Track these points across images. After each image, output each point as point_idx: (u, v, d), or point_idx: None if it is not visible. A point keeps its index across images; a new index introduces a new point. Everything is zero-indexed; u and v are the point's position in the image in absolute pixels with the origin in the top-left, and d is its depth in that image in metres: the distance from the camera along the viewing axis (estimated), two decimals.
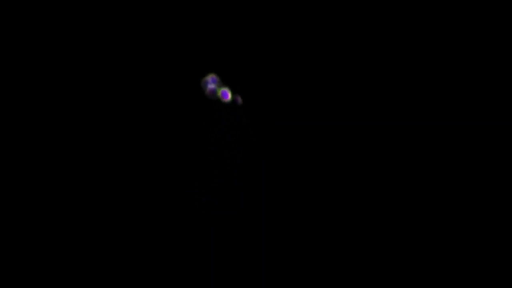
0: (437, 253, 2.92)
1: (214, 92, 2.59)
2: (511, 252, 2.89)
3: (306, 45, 3.03)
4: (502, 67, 2.99)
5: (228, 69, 3.03)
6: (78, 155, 2.97)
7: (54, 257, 2.91)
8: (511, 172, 2.94)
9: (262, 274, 2.93)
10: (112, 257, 2.92)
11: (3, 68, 2.98)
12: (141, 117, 3.01)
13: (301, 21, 3.03)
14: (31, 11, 3.00)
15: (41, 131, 2.97)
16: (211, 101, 2.97)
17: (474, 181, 2.95)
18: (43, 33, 3.00)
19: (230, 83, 3.01)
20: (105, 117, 2.99)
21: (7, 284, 2.87)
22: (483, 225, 2.93)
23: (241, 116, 2.97)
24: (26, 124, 2.97)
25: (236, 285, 2.93)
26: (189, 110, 3.02)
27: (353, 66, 3.02)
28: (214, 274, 2.93)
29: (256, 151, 3.00)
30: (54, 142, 2.97)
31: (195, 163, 3.00)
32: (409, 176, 2.97)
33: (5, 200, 2.92)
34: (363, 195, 2.97)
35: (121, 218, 2.95)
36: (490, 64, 2.99)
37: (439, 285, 2.90)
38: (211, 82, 2.73)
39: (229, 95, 2.65)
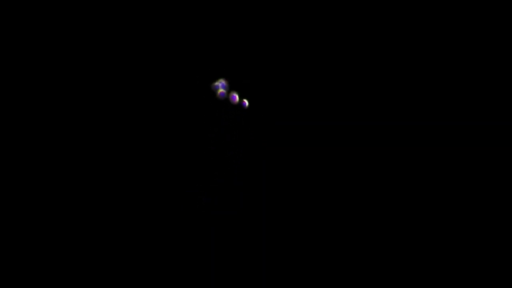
0: (437, 253, 2.92)
1: (223, 96, 2.65)
2: (511, 252, 2.90)
3: (306, 45, 3.03)
4: (502, 67, 2.99)
5: (228, 69, 3.03)
6: (78, 155, 2.97)
7: (54, 257, 2.91)
8: (511, 172, 2.94)
9: (262, 274, 2.93)
10: (112, 257, 2.92)
11: (3, 68, 2.98)
12: (141, 117, 3.01)
13: (301, 21, 3.04)
14: (32, 11, 3.00)
15: (41, 131, 2.97)
16: (215, 102, 2.97)
17: (474, 181, 2.95)
18: (44, 33, 3.00)
19: (230, 84, 3.01)
20: (105, 117, 2.99)
21: (7, 284, 2.87)
22: (483, 225, 2.93)
23: (241, 116, 2.97)
24: (27, 124, 2.97)
25: (236, 285, 2.93)
26: (190, 110, 3.02)
27: (353, 66, 3.02)
28: (214, 274, 2.93)
29: (256, 151, 3.00)
30: (55, 142, 2.97)
31: (195, 163, 3.00)
32: (409, 176, 2.97)
33: (5, 200, 2.92)
34: (363, 195, 2.97)
35: (121, 218, 2.95)
36: (490, 64, 2.99)
37: (439, 285, 2.90)
38: (221, 87, 2.78)
39: (237, 99, 2.71)
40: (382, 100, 3.01)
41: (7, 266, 2.89)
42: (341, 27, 3.03)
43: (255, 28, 3.04)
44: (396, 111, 3.00)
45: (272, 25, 3.04)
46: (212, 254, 2.94)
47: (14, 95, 2.98)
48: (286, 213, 2.97)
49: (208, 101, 3.02)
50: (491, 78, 2.99)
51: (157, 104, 3.02)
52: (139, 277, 2.92)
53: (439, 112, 2.99)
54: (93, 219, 2.94)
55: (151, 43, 3.03)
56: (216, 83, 2.57)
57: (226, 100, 2.86)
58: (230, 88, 2.73)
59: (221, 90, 2.65)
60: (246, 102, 2.71)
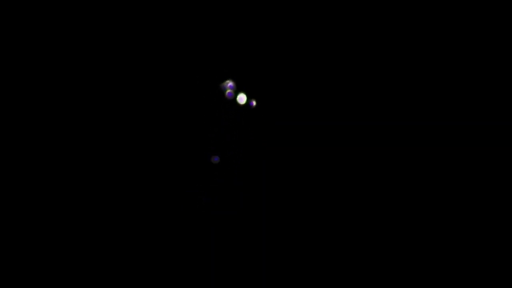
0: (437, 252, 2.92)
1: (231, 96, 2.67)
2: (511, 252, 2.89)
3: (306, 45, 3.03)
4: (502, 67, 2.99)
5: (228, 69, 3.03)
6: (79, 155, 2.97)
7: (54, 256, 2.91)
8: (511, 172, 2.94)
9: (262, 274, 2.93)
10: (112, 257, 2.92)
11: (3, 68, 2.98)
12: (141, 117, 3.01)
13: (300, 21, 3.03)
14: (32, 11, 3.00)
15: (41, 131, 2.97)
16: (215, 102, 2.97)
17: (474, 181, 2.95)
18: (44, 33, 3.00)
19: (236, 84, 3.01)
20: (106, 117, 2.99)
21: (7, 284, 2.87)
22: (483, 224, 2.92)
23: (241, 116, 2.97)
24: (27, 124, 2.97)
25: (236, 285, 2.93)
26: (190, 110, 3.02)
27: (353, 66, 3.02)
28: (214, 274, 2.93)
29: (256, 151, 3.00)
30: (55, 142, 2.97)
31: (195, 163, 3.00)
32: (409, 176, 2.97)
33: (5, 200, 2.92)
34: (363, 195, 2.97)
35: (122, 218, 2.95)
36: (490, 64, 2.99)
37: (439, 285, 2.90)
38: (229, 88, 2.79)
39: (244, 99, 2.72)
40: (382, 100, 3.01)
41: (7, 266, 2.89)
42: (341, 27, 3.03)
43: (256, 28, 3.04)
44: (396, 111, 3.00)
45: (273, 26, 3.04)
46: (212, 254, 2.94)
47: (14, 95, 2.98)
48: (286, 213, 2.97)
49: (208, 101, 3.02)
50: (491, 78, 2.99)
51: (157, 104, 3.01)
52: (139, 277, 2.92)
53: (439, 112, 2.99)
54: (93, 219, 2.94)
55: (151, 43, 3.03)
56: (224, 84, 2.59)
57: (231, 100, 2.86)
58: (238, 88, 2.74)
59: (229, 91, 2.66)
60: (254, 102, 2.72)
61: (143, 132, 3.00)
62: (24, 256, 2.90)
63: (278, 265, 2.94)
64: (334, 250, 2.94)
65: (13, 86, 2.98)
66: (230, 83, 2.59)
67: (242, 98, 2.71)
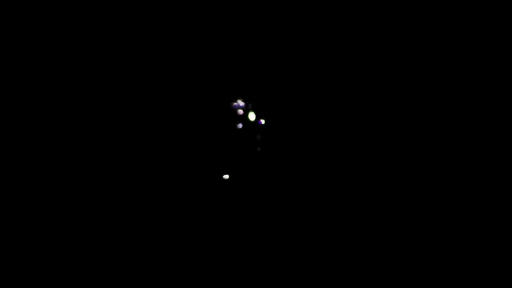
0: (437, 252, 2.92)
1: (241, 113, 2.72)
2: (511, 252, 2.90)
3: (306, 46, 3.04)
4: (502, 67, 2.99)
5: (228, 69, 3.03)
6: (79, 155, 2.98)
7: (55, 256, 2.91)
8: (511, 172, 2.94)
9: (262, 274, 2.93)
10: (112, 257, 2.92)
11: (3, 68, 2.99)
12: (142, 117, 3.01)
13: (300, 22, 3.04)
14: (32, 11, 3.01)
15: (41, 131, 2.97)
16: (215, 102, 2.98)
17: (474, 181, 2.95)
18: (44, 34, 3.01)
19: (230, 84, 3.02)
20: (106, 117, 3.00)
21: (7, 284, 2.88)
22: (483, 224, 2.93)
23: (241, 116, 2.98)
24: (26, 124, 2.97)
25: (236, 285, 2.93)
26: (190, 110, 3.02)
27: (353, 66, 3.02)
28: (214, 274, 2.93)
29: (256, 151, 3.00)
30: (55, 142, 2.97)
31: (195, 163, 3.00)
32: (409, 176, 2.97)
33: (5, 200, 2.93)
34: (363, 195, 2.97)
35: (122, 218, 2.95)
36: (490, 64, 2.99)
37: (439, 285, 2.90)
38: (239, 107, 2.83)
39: (254, 117, 2.78)
40: (382, 100, 3.01)
41: (7, 266, 2.89)
42: (340, 27, 3.03)
43: (256, 28, 3.04)
44: (396, 111, 3.00)
45: (273, 26, 3.04)
46: (212, 254, 2.94)
47: (14, 95, 2.98)
48: (286, 213, 2.97)
49: (208, 102, 3.02)
50: (491, 78, 2.99)
51: (157, 105, 3.02)
52: (139, 277, 2.92)
53: (439, 112, 2.99)
54: (93, 219, 2.94)
55: (151, 43, 3.03)
56: (235, 104, 2.63)
57: (233, 108, 2.89)
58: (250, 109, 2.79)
59: (240, 110, 2.71)
60: (263, 121, 2.76)
61: (143, 132, 3.00)
62: (25, 256, 2.91)
63: (278, 265, 2.94)
64: (334, 250, 2.94)
65: (14, 86, 2.98)
66: (239, 103, 2.63)
67: (251, 116, 2.75)
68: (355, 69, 3.02)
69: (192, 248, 2.95)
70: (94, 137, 2.99)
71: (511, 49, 2.99)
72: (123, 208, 2.96)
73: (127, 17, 3.03)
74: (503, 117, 2.96)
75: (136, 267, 2.93)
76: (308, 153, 2.99)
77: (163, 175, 2.98)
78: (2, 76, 2.98)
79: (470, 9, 3.00)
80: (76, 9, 3.02)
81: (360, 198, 2.97)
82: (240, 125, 2.58)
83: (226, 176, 2.62)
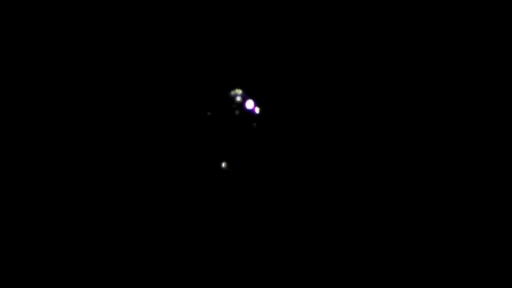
0: (437, 252, 2.92)
1: (242, 102, 2.72)
2: (511, 252, 2.89)
3: (305, 46, 3.03)
4: (502, 67, 2.99)
5: (228, 69, 3.03)
6: (79, 155, 2.97)
7: (55, 256, 2.91)
8: (511, 172, 2.94)
9: (262, 274, 2.93)
10: (112, 257, 2.92)
11: (3, 68, 2.98)
12: (142, 117, 3.01)
13: (300, 22, 3.04)
14: (32, 11, 3.00)
15: (42, 132, 2.97)
16: (215, 102, 2.98)
17: (474, 181, 2.95)
18: (44, 34, 3.01)
19: (230, 84, 3.02)
20: (106, 117, 3.00)
21: (7, 284, 2.87)
22: (483, 224, 2.92)
23: (241, 117, 2.98)
24: (27, 124, 2.97)
25: (236, 285, 2.93)
26: (190, 110, 3.02)
27: (353, 66, 3.02)
28: (214, 274, 2.93)
29: (256, 151, 3.00)
30: (55, 142, 2.97)
31: (195, 163, 3.00)
32: (409, 176, 2.97)
33: (5, 200, 2.93)
34: (362, 195, 2.97)
35: (122, 218, 2.95)
36: (490, 64, 2.99)
37: (439, 285, 2.90)
38: (239, 97, 2.83)
39: (252, 105, 2.77)
40: (382, 100, 3.01)
41: (7, 266, 2.89)
42: (340, 27, 3.03)
43: (256, 28, 3.04)
44: (396, 111, 3.00)
45: (273, 26, 3.04)
46: (212, 254, 2.94)
47: (13, 95, 2.98)
48: (286, 213, 2.97)
49: (208, 101, 3.02)
50: (491, 78, 2.99)
51: (157, 104, 3.02)
52: (139, 277, 2.92)
53: (439, 112, 2.99)
54: (93, 219, 2.94)
55: (151, 43, 3.03)
56: (233, 92, 2.63)
57: (234, 102, 2.88)
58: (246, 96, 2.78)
59: (239, 99, 2.70)
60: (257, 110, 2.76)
61: (144, 132, 3.00)
62: (25, 256, 2.91)
63: (278, 265, 2.94)
64: (334, 250, 2.94)
65: (14, 86, 2.98)
66: (240, 94, 2.63)
67: (250, 103, 2.74)
68: (355, 69, 3.02)
69: (192, 248, 2.95)
70: (94, 137, 2.99)
71: (511, 49, 2.99)
72: (123, 208, 2.96)
73: (127, 17, 3.03)
74: (503, 117, 2.96)
75: (136, 267, 2.92)
76: (308, 153, 2.99)
77: (163, 175, 2.98)
78: (2, 76, 2.98)
79: (470, 9, 3.00)
80: (76, 9, 3.01)
81: (360, 198, 2.97)
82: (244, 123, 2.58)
83: (223, 165, 2.61)
